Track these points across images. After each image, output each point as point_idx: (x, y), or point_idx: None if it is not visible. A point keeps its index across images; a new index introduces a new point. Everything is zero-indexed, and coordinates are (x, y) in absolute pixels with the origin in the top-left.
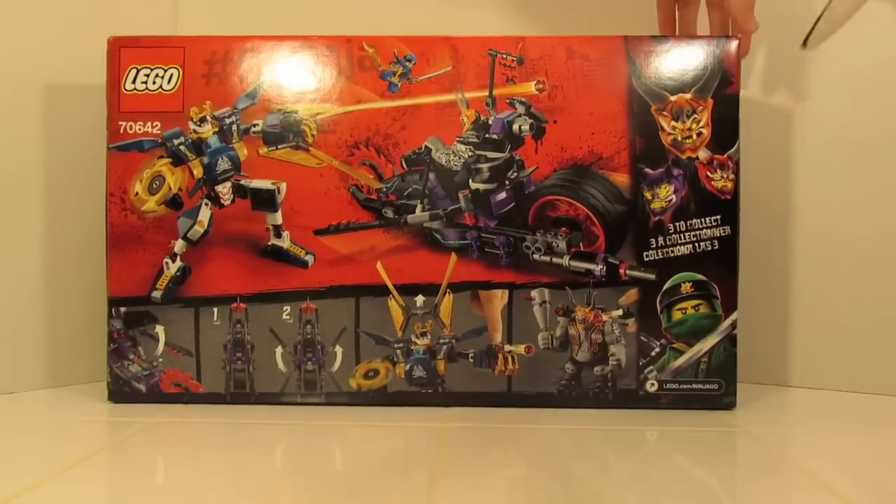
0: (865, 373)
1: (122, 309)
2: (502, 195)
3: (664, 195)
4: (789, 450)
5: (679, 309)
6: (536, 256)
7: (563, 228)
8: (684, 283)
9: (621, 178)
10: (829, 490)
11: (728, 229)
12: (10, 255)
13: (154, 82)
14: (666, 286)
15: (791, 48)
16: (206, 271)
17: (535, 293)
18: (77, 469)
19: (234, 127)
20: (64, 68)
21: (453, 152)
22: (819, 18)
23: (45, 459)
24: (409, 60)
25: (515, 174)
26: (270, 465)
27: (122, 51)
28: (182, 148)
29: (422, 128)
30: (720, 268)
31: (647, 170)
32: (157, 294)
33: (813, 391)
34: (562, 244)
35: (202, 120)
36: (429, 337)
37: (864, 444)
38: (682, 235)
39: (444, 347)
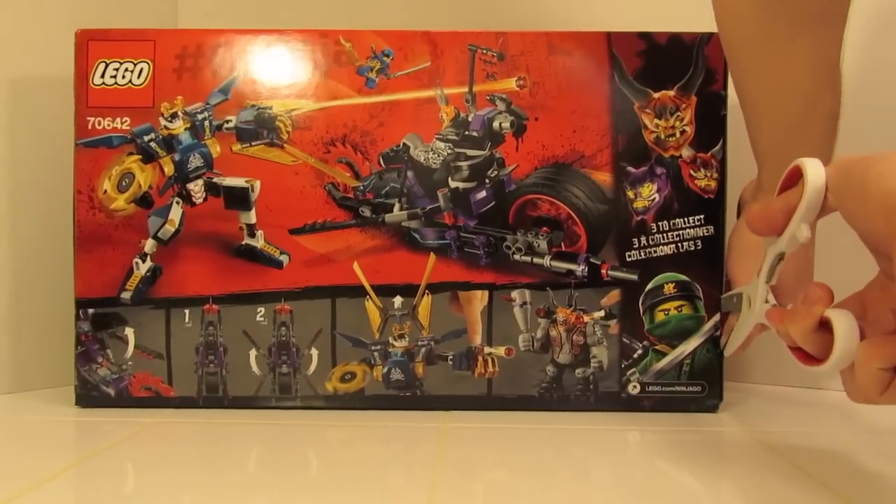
0: None
1: (91, 310)
2: (482, 194)
3: (647, 194)
4: (785, 450)
5: (662, 310)
6: (517, 256)
7: (545, 228)
8: (667, 283)
9: (603, 177)
10: (829, 489)
11: (711, 229)
12: None
13: (123, 76)
14: (648, 287)
15: None
16: (177, 272)
17: (515, 294)
18: (50, 480)
19: (207, 123)
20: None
21: (432, 150)
22: (731, 334)
23: (14, 467)
24: (387, 55)
25: (496, 172)
26: (259, 471)
27: (91, 44)
28: (152, 144)
29: (400, 125)
30: (703, 268)
31: (630, 168)
32: (126, 295)
33: (812, 391)
34: (543, 244)
35: (173, 116)
36: (407, 339)
37: (863, 445)
38: (665, 235)
39: (423, 350)
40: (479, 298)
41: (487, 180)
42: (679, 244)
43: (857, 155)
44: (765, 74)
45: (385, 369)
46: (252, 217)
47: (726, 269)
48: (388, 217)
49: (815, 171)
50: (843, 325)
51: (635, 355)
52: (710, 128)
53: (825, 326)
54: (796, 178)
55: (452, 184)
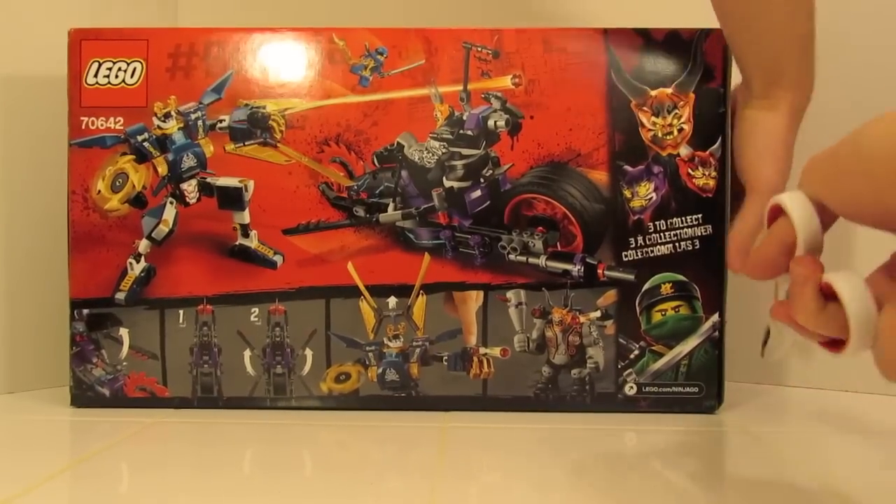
0: (865, 373)
1: (85, 311)
2: (477, 193)
3: (644, 193)
4: (784, 451)
5: (659, 310)
6: (512, 256)
7: (540, 228)
8: (664, 283)
9: (600, 176)
10: (829, 490)
11: (709, 228)
12: None
13: (116, 76)
14: (645, 287)
15: None
16: (171, 272)
17: (510, 294)
18: (47, 481)
19: (200, 122)
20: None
21: (426, 149)
22: (773, 341)
23: (11, 469)
24: (381, 53)
25: (491, 172)
26: (254, 472)
27: (84, 43)
28: (146, 144)
29: (394, 123)
30: (701, 268)
31: (627, 167)
32: (120, 296)
33: (811, 391)
34: (538, 244)
35: (166, 115)
36: (401, 339)
37: (863, 446)
38: (662, 235)
39: (418, 350)
40: (474, 299)
41: (482, 179)
42: (676, 244)
43: (821, 152)
44: None
45: (380, 370)
46: (246, 217)
47: (736, 166)
48: (382, 217)
49: (799, 206)
50: (848, 285)
51: (632, 356)
52: (709, 125)
53: (832, 298)
54: (778, 212)
55: (447, 183)
